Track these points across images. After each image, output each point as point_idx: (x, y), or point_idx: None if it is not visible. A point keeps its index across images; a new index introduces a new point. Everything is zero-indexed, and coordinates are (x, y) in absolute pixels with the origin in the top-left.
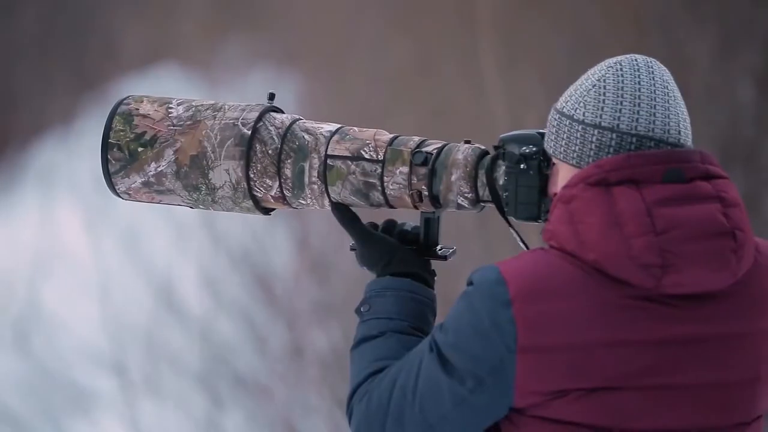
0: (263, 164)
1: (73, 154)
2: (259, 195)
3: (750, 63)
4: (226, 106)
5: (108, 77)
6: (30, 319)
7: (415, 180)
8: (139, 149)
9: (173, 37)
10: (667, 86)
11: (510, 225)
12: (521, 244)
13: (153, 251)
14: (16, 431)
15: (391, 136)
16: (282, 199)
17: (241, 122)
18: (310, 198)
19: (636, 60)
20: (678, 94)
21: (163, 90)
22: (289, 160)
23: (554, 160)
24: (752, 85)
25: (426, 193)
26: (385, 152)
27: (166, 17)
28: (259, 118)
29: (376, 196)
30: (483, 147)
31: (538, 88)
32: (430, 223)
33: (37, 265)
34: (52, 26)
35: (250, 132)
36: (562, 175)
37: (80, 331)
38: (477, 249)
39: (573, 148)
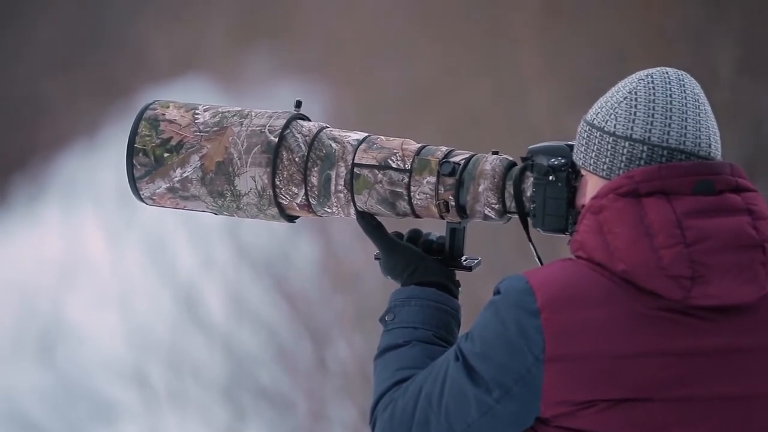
0: (289, 172)
1: (98, 166)
2: (285, 202)
3: None
4: (253, 113)
5: (133, 88)
6: (53, 330)
7: (442, 190)
8: (165, 154)
9: (200, 47)
10: (698, 99)
11: (529, 238)
12: (537, 258)
13: (176, 263)
14: None
15: (419, 145)
16: (307, 206)
17: (268, 129)
18: (336, 206)
19: (667, 73)
20: (708, 107)
21: (189, 101)
22: (315, 168)
23: (583, 171)
24: None
25: (453, 203)
26: (412, 162)
27: (193, 28)
28: (286, 126)
29: (403, 205)
30: (511, 158)
31: (567, 100)
32: (456, 234)
33: (60, 277)
34: (77, 37)
35: (276, 139)
36: (591, 187)
37: (103, 343)
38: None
39: (603, 160)
